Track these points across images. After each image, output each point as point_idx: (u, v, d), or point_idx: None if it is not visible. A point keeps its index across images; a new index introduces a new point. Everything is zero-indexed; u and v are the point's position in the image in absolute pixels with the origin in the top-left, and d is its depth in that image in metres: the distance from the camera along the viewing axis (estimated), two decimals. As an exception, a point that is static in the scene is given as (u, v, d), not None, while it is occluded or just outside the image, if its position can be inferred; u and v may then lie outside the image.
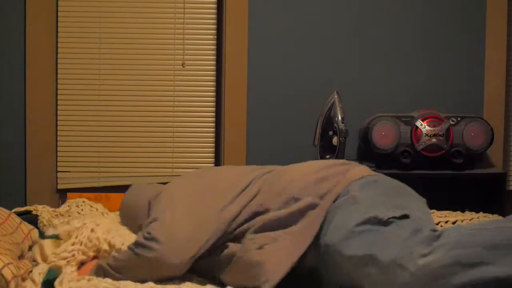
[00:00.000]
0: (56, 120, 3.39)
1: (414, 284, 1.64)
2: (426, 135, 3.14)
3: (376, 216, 1.79)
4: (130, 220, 2.34)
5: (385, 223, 1.77)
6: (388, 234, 1.75)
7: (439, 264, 1.62)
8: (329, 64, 3.43)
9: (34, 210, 2.68)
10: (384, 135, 3.16)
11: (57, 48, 3.37)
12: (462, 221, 2.55)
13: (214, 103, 3.45)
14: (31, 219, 2.55)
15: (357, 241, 1.77)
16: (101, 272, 2.04)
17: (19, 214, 2.55)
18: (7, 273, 1.86)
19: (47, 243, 2.24)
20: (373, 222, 1.79)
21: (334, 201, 1.93)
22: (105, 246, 2.17)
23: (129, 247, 2.03)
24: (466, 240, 1.65)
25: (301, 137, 3.33)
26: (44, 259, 2.20)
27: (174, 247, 1.96)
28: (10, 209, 2.49)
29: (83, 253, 2.17)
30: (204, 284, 1.94)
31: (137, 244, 2.00)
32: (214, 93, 3.45)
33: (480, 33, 3.44)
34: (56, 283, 1.91)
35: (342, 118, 3.08)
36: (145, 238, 1.99)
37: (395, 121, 3.19)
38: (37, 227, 2.48)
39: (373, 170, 2.11)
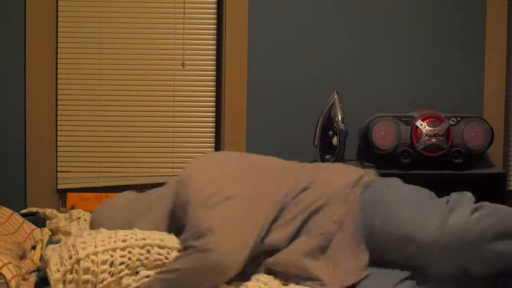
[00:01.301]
0: (56, 120, 3.39)
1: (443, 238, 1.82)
2: (426, 135, 3.14)
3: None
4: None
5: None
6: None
7: (477, 226, 1.79)
8: (329, 64, 3.43)
9: (42, 213, 2.64)
10: (384, 135, 3.16)
11: (57, 48, 3.37)
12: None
13: (214, 103, 3.45)
14: (37, 220, 2.55)
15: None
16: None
17: (25, 215, 2.55)
18: (7, 272, 1.86)
19: None
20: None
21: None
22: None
23: None
24: (505, 211, 1.85)
25: (301, 137, 3.33)
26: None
27: None
28: (10, 209, 2.49)
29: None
30: None
31: None
32: (214, 93, 3.45)
33: (480, 33, 3.44)
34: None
35: (342, 118, 3.08)
36: None
37: (395, 121, 3.19)
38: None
39: (373, 170, 2.23)
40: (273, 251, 2.02)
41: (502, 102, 3.45)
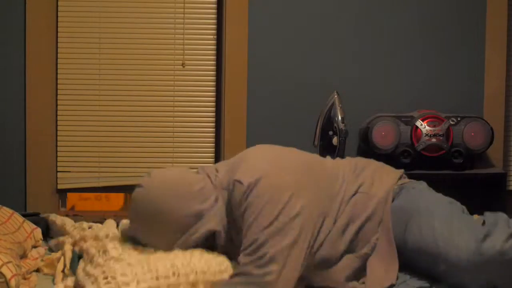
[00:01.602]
0: (56, 120, 3.39)
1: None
2: (426, 135, 3.15)
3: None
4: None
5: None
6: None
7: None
8: (329, 64, 3.43)
9: (52, 221, 2.53)
10: (384, 135, 3.16)
11: (57, 48, 3.37)
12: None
13: (214, 103, 3.45)
14: (37, 220, 2.53)
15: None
16: None
17: (25, 215, 2.53)
18: (7, 271, 1.86)
19: None
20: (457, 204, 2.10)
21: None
22: None
23: None
24: None
25: (301, 137, 3.32)
26: None
27: None
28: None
29: None
30: None
31: None
32: (214, 93, 3.45)
33: (480, 33, 3.44)
34: None
35: (342, 118, 3.08)
36: None
37: (395, 121, 3.19)
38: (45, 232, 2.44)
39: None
40: (323, 264, 1.98)
41: (502, 102, 3.45)
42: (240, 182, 1.93)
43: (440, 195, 2.11)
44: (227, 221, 1.98)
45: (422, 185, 2.15)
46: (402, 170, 2.23)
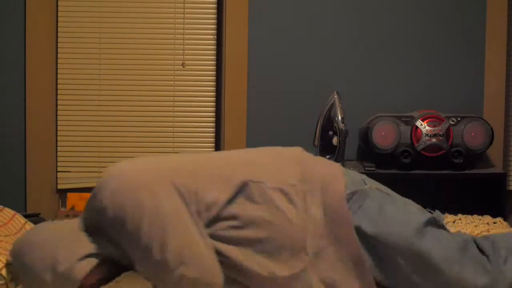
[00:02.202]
0: (56, 120, 3.39)
1: None
2: (426, 135, 3.14)
3: (435, 218, 1.88)
4: None
5: (442, 226, 1.88)
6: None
7: None
8: (329, 64, 3.43)
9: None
10: (384, 135, 3.16)
11: (57, 48, 3.37)
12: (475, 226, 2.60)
13: (214, 103, 3.45)
14: (39, 221, 2.53)
15: (430, 240, 1.82)
16: None
17: (27, 216, 2.53)
18: (7, 273, 1.86)
19: None
20: (433, 224, 1.86)
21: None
22: None
23: None
24: None
25: (301, 137, 3.33)
26: None
27: None
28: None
29: None
30: None
31: None
32: (214, 93, 3.45)
33: (480, 33, 3.44)
34: None
35: (342, 118, 3.08)
36: None
37: (395, 121, 3.19)
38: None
39: (373, 171, 2.09)
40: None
41: (502, 102, 3.45)
42: (99, 207, 1.83)
43: (404, 204, 1.93)
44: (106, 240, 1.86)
45: (372, 185, 1.94)
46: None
